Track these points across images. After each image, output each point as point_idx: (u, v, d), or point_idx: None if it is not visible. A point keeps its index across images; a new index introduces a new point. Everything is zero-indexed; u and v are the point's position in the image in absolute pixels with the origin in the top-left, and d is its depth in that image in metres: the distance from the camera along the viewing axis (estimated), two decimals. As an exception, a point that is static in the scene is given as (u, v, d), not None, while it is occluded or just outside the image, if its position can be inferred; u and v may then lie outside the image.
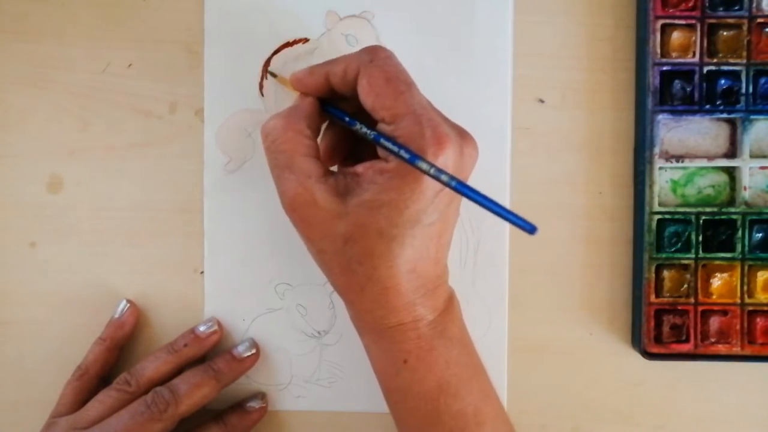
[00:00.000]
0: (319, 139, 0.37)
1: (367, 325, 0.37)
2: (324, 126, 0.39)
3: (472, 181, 0.42)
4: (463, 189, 0.32)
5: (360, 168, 0.35)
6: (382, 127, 0.34)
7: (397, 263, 0.34)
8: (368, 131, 0.34)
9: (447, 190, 0.33)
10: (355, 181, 0.35)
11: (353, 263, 0.34)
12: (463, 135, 0.35)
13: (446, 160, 0.33)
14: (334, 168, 0.39)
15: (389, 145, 0.33)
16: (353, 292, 0.36)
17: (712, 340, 0.42)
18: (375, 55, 0.35)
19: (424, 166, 0.32)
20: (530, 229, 0.31)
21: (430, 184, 0.33)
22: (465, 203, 0.33)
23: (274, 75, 0.42)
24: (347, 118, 0.36)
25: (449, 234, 0.37)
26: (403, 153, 0.32)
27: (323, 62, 0.37)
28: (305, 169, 0.35)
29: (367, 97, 0.34)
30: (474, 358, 0.38)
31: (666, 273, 0.42)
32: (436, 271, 0.36)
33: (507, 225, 0.43)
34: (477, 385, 0.37)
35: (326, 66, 0.36)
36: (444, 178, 0.32)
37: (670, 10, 0.41)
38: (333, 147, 0.39)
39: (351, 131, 0.36)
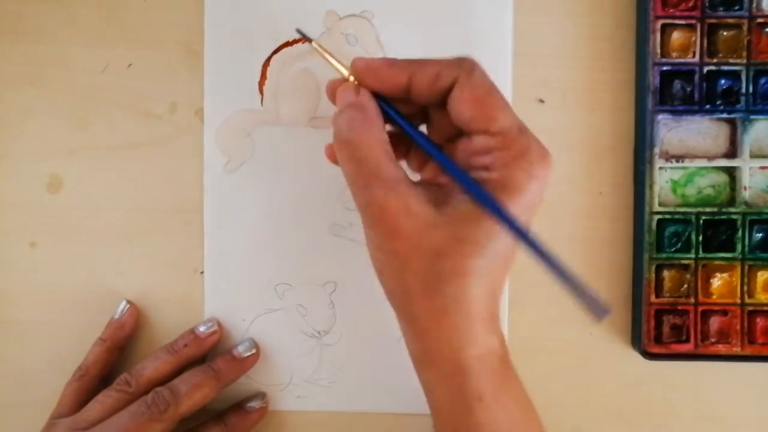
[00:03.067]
0: None
1: (438, 357, 0.32)
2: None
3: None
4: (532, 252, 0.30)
5: (444, 179, 0.33)
6: (478, 140, 0.32)
7: (485, 283, 0.31)
8: (443, 159, 0.33)
9: (536, 201, 0.32)
10: (442, 192, 0.32)
11: (441, 282, 0.31)
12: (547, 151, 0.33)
13: (548, 174, 0.32)
14: None
15: (460, 179, 0.32)
16: (432, 318, 0.31)
17: (712, 340, 0.42)
18: (474, 66, 0.33)
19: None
20: (601, 313, 0.28)
21: (529, 197, 0.31)
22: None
23: (308, 39, 0.37)
24: (416, 133, 0.34)
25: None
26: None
27: (404, 59, 0.33)
28: (394, 175, 0.32)
29: (466, 108, 0.32)
30: (530, 402, 0.35)
31: (666, 273, 0.42)
32: (501, 297, 0.33)
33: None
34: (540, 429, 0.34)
35: (411, 65, 0.33)
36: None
37: (670, 10, 0.41)
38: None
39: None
